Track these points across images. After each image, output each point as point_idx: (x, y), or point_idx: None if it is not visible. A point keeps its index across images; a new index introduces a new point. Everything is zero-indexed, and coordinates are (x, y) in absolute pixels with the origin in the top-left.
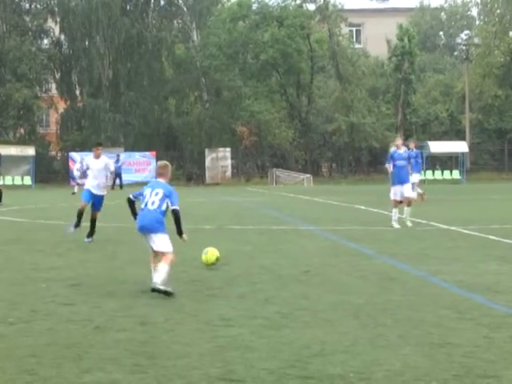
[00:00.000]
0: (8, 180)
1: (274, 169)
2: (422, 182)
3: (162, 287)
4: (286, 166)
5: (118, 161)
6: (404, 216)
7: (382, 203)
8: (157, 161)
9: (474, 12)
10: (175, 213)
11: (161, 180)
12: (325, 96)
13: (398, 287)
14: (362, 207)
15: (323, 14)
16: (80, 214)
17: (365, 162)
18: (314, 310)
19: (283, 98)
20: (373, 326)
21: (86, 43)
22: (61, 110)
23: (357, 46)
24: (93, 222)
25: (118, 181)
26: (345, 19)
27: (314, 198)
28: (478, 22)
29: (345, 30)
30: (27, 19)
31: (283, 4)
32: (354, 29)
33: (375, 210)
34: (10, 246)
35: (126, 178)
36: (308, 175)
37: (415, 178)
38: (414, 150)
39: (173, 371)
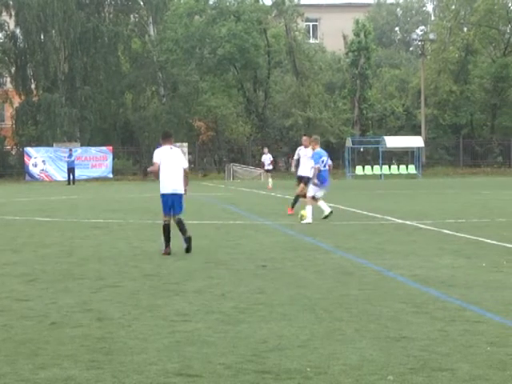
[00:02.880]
0: None
1: (231, 164)
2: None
3: None
4: (243, 160)
5: (70, 156)
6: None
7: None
8: (113, 156)
9: (430, 8)
10: None
11: None
12: (282, 91)
13: (355, 281)
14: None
15: (280, 9)
16: None
17: None
18: (271, 305)
19: (240, 93)
20: (329, 321)
21: (42, 37)
22: (16, 105)
23: (313, 41)
24: None
25: (71, 176)
26: (301, 14)
27: (271, 193)
28: (433, 18)
29: (301, 25)
30: None
31: None
32: (311, 24)
33: (331, 205)
34: None
35: (83, 173)
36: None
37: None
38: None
39: (130, 367)
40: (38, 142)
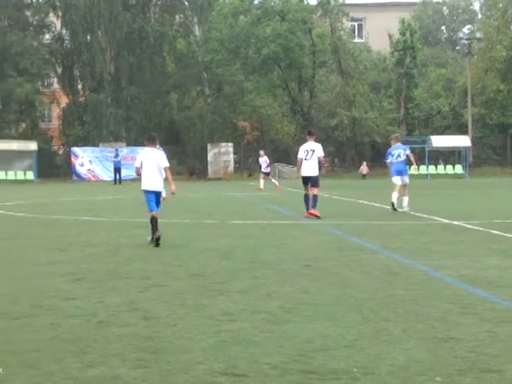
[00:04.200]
0: (10, 175)
1: (277, 163)
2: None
3: None
4: (288, 160)
5: (117, 155)
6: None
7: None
8: None
9: (476, 6)
10: None
11: None
12: (327, 91)
13: (401, 282)
14: (365, 202)
15: (325, 9)
16: None
17: (367, 156)
18: (317, 305)
19: (285, 93)
20: (376, 321)
21: (88, 38)
22: (63, 105)
23: (359, 40)
24: None
25: (117, 176)
26: (346, 14)
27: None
28: (480, 16)
29: (347, 24)
30: (28, 14)
31: None
32: (356, 23)
33: (377, 205)
34: (12, 240)
35: (129, 173)
36: None
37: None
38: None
39: (176, 366)
40: (85, 141)
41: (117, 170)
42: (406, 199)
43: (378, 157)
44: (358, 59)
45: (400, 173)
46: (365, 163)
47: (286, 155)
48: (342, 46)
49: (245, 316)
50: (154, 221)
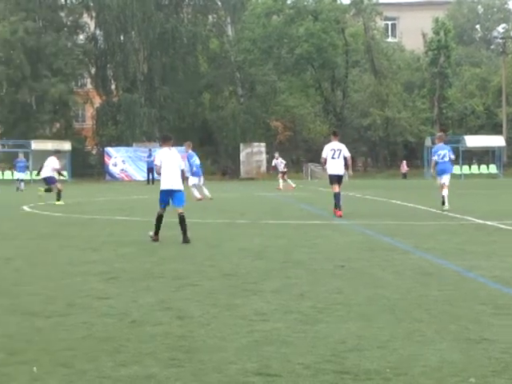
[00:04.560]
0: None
1: (309, 163)
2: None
3: None
4: (320, 160)
5: (150, 155)
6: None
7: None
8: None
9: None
10: None
11: None
12: (360, 90)
13: (434, 282)
14: (398, 202)
15: (358, 8)
16: None
17: (400, 156)
18: (349, 305)
19: (318, 93)
20: (409, 321)
21: (121, 38)
22: (96, 105)
23: (392, 39)
24: None
25: (150, 176)
26: (380, 13)
27: (349, 193)
28: None
29: (380, 23)
30: (63, 15)
31: None
32: (390, 22)
33: (410, 205)
34: (46, 240)
35: None
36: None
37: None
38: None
39: (209, 365)
40: (118, 141)
41: (150, 169)
42: (446, 196)
43: (410, 157)
44: (391, 59)
45: (444, 172)
46: (404, 162)
47: (318, 155)
48: (375, 46)
49: (277, 316)
50: (158, 218)
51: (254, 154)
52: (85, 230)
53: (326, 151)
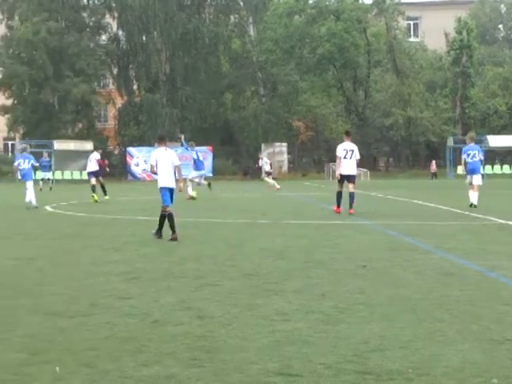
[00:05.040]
0: (67, 174)
1: (331, 163)
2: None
3: None
4: None
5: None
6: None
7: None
8: (213, 156)
9: None
10: None
11: None
12: (382, 90)
13: (456, 282)
14: (420, 202)
15: (380, 8)
16: None
17: (422, 156)
18: (371, 305)
19: (340, 93)
20: (430, 321)
21: (143, 38)
22: (118, 105)
23: (414, 39)
24: None
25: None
26: (402, 12)
27: (371, 193)
28: None
29: (402, 23)
30: (85, 15)
31: None
32: (412, 22)
33: (432, 205)
34: (70, 240)
35: (184, 172)
36: (365, 170)
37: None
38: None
39: (231, 365)
40: (140, 141)
41: None
42: (475, 195)
43: (433, 156)
44: (413, 58)
45: (473, 171)
46: (434, 162)
47: None
48: (397, 45)
49: (299, 316)
50: (164, 217)
51: (275, 154)
52: (107, 230)
53: (340, 151)
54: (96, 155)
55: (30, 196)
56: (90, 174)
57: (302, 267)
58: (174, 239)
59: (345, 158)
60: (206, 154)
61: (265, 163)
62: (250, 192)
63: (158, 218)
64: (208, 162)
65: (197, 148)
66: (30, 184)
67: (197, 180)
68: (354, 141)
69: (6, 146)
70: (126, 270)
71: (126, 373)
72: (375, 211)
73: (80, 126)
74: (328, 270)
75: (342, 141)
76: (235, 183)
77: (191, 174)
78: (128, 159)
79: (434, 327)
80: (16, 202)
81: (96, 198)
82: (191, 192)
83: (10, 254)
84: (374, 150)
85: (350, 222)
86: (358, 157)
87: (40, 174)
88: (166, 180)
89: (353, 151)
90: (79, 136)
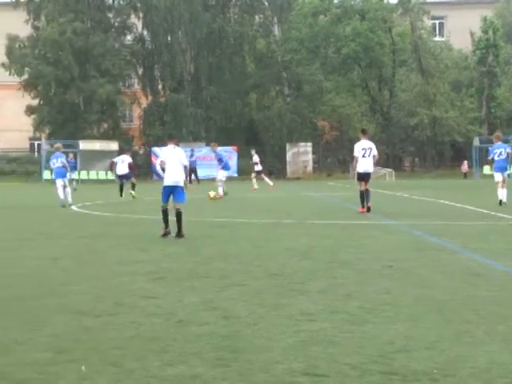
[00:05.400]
0: (92, 175)
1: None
2: None
3: None
4: None
5: (192, 155)
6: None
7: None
8: (238, 156)
9: None
10: None
11: None
12: (407, 90)
13: (483, 283)
14: (446, 202)
15: (405, 7)
16: None
17: (448, 156)
18: (397, 305)
19: (365, 92)
20: (457, 322)
21: (168, 38)
22: (143, 105)
23: (439, 38)
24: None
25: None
26: (427, 12)
27: (397, 193)
28: None
29: (427, 22)
30: (110, 15)
31: None
32: (437, 21)
33: (458, 205)
34: (96, 239)
35: (209, 173)
36: (390, 170)
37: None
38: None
39: (256, 365)
40: (165, 142)
41: (192, 169)
42: (504, 192)
43: (458, 156)
44: (438, 58)
45: (501, 169)
46: (465, 162)
47: None
48: (422, 45)
49: (324, 316)
50: (165, 211)
51: (300, 153)
52: (133, 229)
53: (358, 150)
54: (128, 158)
55: (64, 194)
56: (121, 176)
57: (327, 267)
58: (166, 234)
59: (363, 156)
60: (230, 153)
61: (255, 162)
62: (275, 192)
63: (183, 218)
64: (233, 162)
65: (219, 148)
66: (59, 182)
67: (224, 180)
68: (378, 141)
69: (32, 146)
70: (152, 269)
71: (151, 372)
72: (401, 211)
73: (105, 126)
74: (353, 270)
75: (359, 139)
76: (260, 183)
77: (219, 174)
78: (153, 159)
79: (460, 328)
80: (42, 202)
81: (134, 194)
82: (222, 192)
83: (36, 253)
84: (398, 149)
85: (376, 223)
86: (376, 153)
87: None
88: (171, 178)
89: (370, 149)
90: (104, 136)
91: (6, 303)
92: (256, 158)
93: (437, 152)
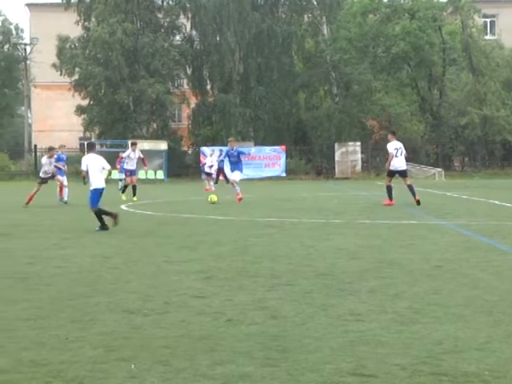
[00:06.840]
0: (141, 174)
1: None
2: None
3: None
4: (416, 160)
5: (221, 155)
6: None
7: None
8: (286, 156)
9: None
10: None
11: None
12: (457, 89)
13: None
14: (496, 202)
15: (456, 6)
16: None
17: (499, 155)
18: (446, 306)
19: (414, 91)
20: (507, 323)
21: (217, 38)
22: (192, 105)
23: (491, 37)
24: None
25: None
26: (478, 10)
27: (446, 193)
28: None
29: (478, 21)
30: (160, 16)
31: None
32: (488, 20)
33: (509, 205)
34: (145, 238)
35: (257, 172)
36: (439, 169)
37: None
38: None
39: (304, 365)
40: (213, 141)
41: (220, 169)
42: None
43: (509, 156)
44: (489, 56)
45: None
46: None
47: (414, 155)
48: (473, 44)
49: (373, 316)
50: (99, 212)
51: (348, 153)
52: (181, 228)
53: (392, 149)
54: (139, 153)
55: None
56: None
57: (376, 267)
58: (115, 217)
59: (396, 156)
60: (279, 153)
61: (208, 164)
62: (324, 191)
63: (230, 218)
64: (281, 162)
65: (240, 148)
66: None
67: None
68: (428, 140)
69: (82, 145)
70: (200, 268)
71: (199, 371)
72: (450, 211)
73: (154, 126)
74: (402, 271)
75: (393, 139)
76: (308, 183)
77: (235, 175)
78: (202, 159)
79: (511, 329)
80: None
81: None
82: (241, 193)
83: (87, 251)
84: (448, 149)
85: (425, 222)
86: (405, 152)
87: (118, 175)
88: (101, 182)
89: (401, 149)
90: (154, 136)
91: (59, 302)
92: (211, 161)
93: (487, 151)
